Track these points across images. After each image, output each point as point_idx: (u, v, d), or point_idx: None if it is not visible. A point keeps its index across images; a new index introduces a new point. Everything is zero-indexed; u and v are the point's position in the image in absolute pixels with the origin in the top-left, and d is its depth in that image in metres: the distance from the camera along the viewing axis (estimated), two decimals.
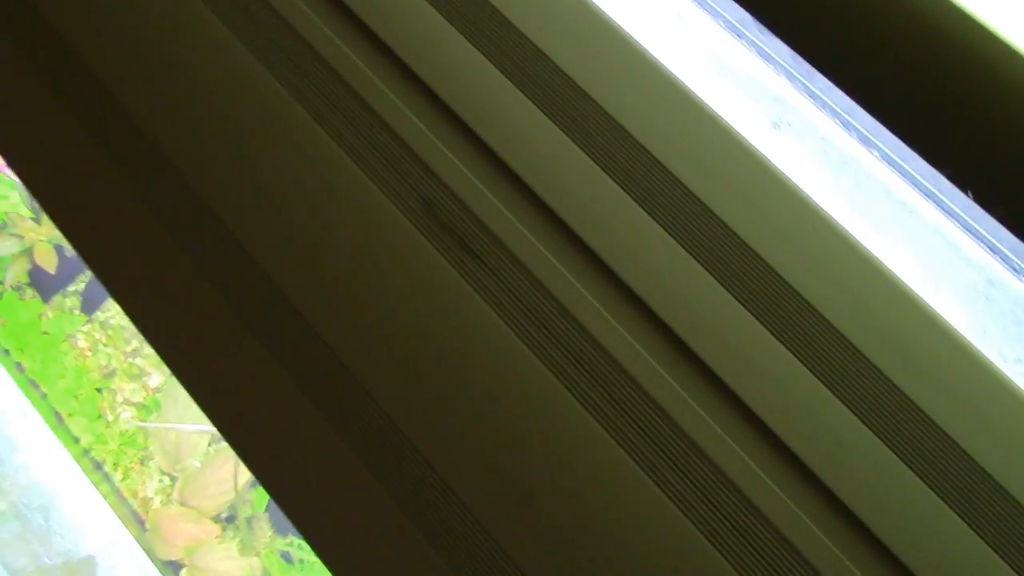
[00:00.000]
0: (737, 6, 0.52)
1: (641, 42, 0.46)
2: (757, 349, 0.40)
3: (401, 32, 0.46)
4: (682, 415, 0.39)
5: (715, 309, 0.41)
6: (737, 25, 0.52)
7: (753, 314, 0.41)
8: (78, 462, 0.98)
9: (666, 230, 0.42)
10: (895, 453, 0.38)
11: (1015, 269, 0.49)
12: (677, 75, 0.46)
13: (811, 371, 0.40)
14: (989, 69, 0.48)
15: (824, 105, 0.52)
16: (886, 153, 0.51)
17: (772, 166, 0.43)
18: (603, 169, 0.43)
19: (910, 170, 0.51)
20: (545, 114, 0.46)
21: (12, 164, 0.44)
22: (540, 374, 0.40)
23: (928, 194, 0.50)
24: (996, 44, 0.47)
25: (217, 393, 0.41)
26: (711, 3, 0.53)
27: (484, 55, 0.45)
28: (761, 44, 0.52)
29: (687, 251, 0.42)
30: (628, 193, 0.42)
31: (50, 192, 0.45)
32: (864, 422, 0.39)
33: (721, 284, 0.41)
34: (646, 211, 0.42)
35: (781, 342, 0.40)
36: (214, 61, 0.46)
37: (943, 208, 0.50)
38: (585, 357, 0.40)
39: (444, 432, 0.39)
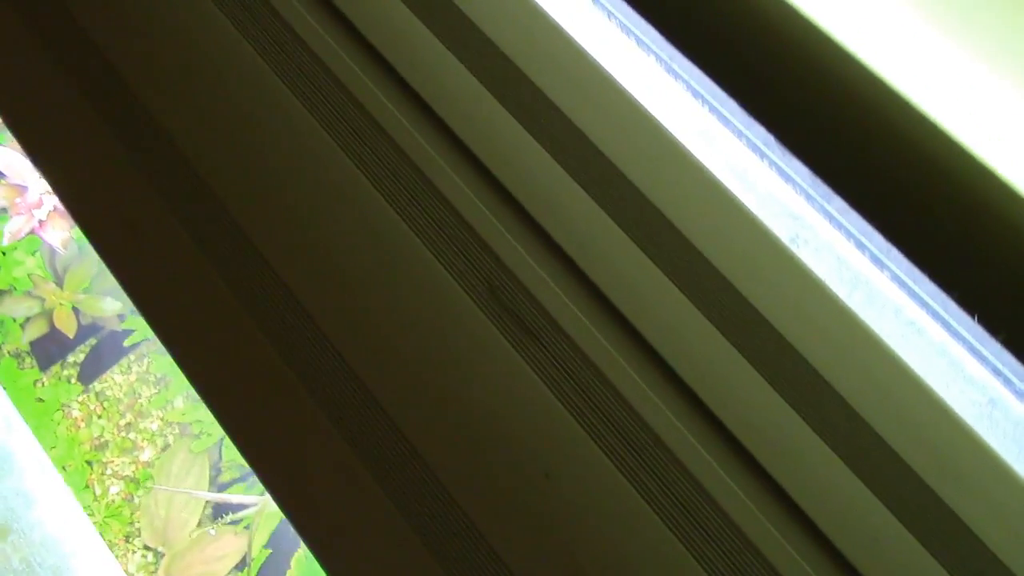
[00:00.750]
0: (761, 127, 0.55)
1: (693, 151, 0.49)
2: (806, 449, 0.42)
3: (470, 123, 0.49)
4: (734, 509, 0.41)
5: (763, 407, 0.43)
6: (760, 145, 0.56)
7: (801, 417, 0.43)
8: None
9: (716, 327, 0.44)
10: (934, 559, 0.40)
11: (1017, 392, 0.52)
12: (724, 183, 0.49)
13: (856, 474, 0.41)
14: (994, 209, 0.51)
15: (840, 226, 0.55)
16: (897, 275, 0.54)
17: (822, 282, 0.46)
18: (660, 269, 0.45)
19: (919, 292, 0.53)
20: (607, 214, 0.48)
21: (87, 229, 0.46)
22: (593, 455, 0.41)
23: (936, 315, 0.53)
24: (1003, 190, 0.51)
25: (282, 470, 0.42)
26: (735, 123, 0.57)
27: (550, 154, 0.48)
28: (782, 164, 0.56)
29: (736, 349, 0.44)
30: (684, 293, 0.45)
31: (122, 257, 0.46)
32: (904, 525, 0.40)
33: (771, 385, 0.43)
34: (698, 309, 0.44)
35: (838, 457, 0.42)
36: (296, 144, 0.48)
37: (950, 329, 0.53)
38: (637, 443, 0.42)
39: (500, 506, 0.40)
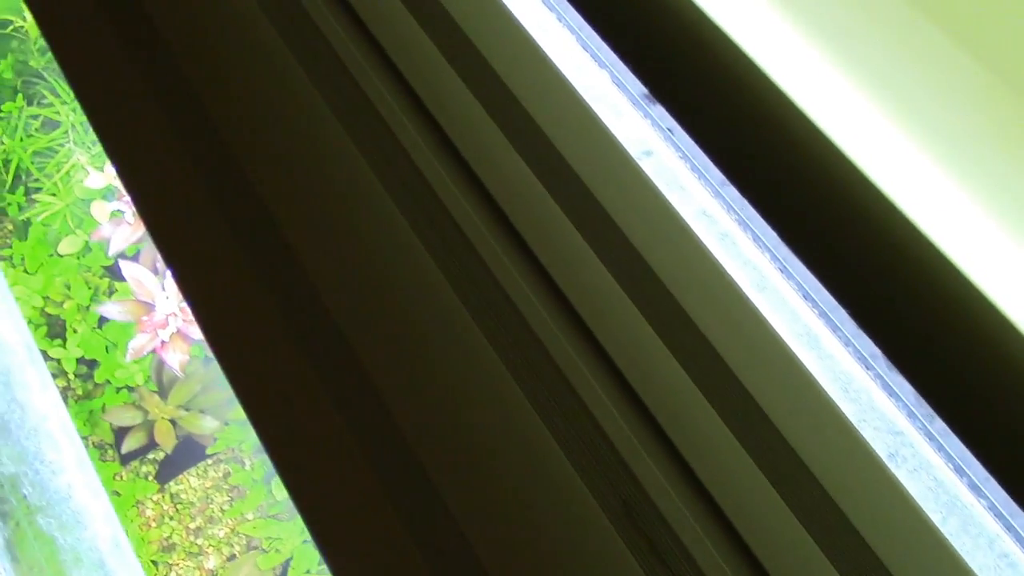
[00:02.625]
0: (868, 339, 0.57)
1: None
2: None
3: (622, 345, 0.51)
4: None
5: None
6: (867, 357, 0.57)
7: None
8: None
9: (828, 559, 0.44)
10: None
11: None
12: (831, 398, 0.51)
13: None
14: None
15: (940, 448, 0.55)
16: (994, 505, 0.54)
17: (917, 505, 0.46)
18: (785, 504, 0.47)
19: (1016, 526, 0.53)
20: (742, 446, 0.50)
21: (243, 400, 0.48)
22: None
23: None
24: None
25: None
26: (843, 331, 0.58)
27: (695, 383, 0.50)
28: (887, 379, 0.57)
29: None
30: (808, 532, 0.46)
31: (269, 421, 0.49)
32: None
33: None
34: (810, 535, 0.45)
35: None
36: (454, 344, 0.51)
37: None
38: None
39: None
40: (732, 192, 0.58)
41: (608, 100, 0.62)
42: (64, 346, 1.13)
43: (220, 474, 1.07)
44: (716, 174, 0.59)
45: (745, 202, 0.58)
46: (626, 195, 0.56)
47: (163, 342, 1.12)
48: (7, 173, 1.23)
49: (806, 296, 0.58)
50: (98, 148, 1.25)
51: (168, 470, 1.08)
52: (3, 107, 1.29)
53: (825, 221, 0.57)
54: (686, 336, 0.53)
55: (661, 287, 0.54)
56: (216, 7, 0.59)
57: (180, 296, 1.09)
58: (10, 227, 1.22)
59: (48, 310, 1.16)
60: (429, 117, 0.55)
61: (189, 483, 1.07)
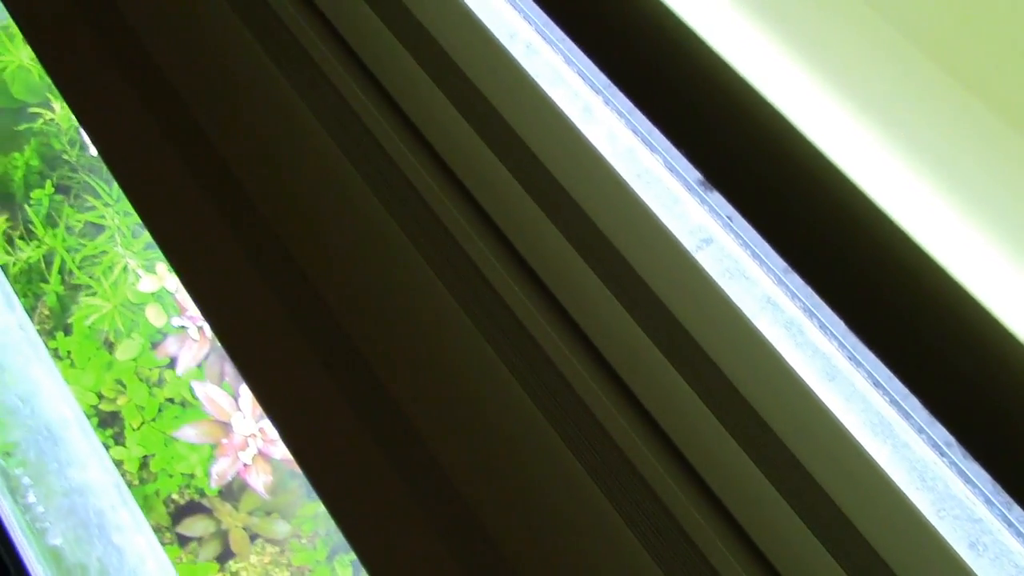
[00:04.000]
0: (942, 428, 0.56)
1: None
2: None
3: (686, 433, 0.51)
4: None
5: None
6: (941, 445, 0.57)
7: None
8: None
9: None
10: None
11: None
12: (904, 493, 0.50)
13: None
14: None
15: (1019, 534, 0.55)
16: None
17: None
18: None
19: None
20: (808, 528, 0.50)
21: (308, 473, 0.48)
22: None
23: None
24: None
25: None
26: (916, 418, 0.58)
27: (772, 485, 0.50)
28: (963, 467, 0.56)
29: None
30: None
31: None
32: None
33: None
34: None
35: None
36: (538, 458, 0.51)
37: None
38: None
39: None
40: (796, 279, 0.58)
41: (663, 186, 0.62)
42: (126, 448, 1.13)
43: (278, 550, 1.07)
44: (778, 261, 0.58)
45: (810, 289, 0.58)
46: (684, 290, 0.56)
47: (245, 465, 1.11)
48: (48, 271, 1.22)
49: (876, 384, 0.57)
50: (147, 250, 1.24)
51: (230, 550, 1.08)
52: (32, 194, 1.29)
53: (895, 309, 0.57)
54: (760, 437, 0.53)
55: (734, 392, 0.54)
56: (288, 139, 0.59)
57: (256, 414, 1.09)
58: (46, 312, 1.21)
59: (102, 407, 1.15)
60: (498, 233, 0.54)
61: (249, 560, 1.07)
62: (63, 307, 1.22)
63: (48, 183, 1.32)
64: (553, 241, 0.55)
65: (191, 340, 1.21)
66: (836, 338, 0.58)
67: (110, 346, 1.19)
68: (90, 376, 1.18)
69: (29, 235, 1.27)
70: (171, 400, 1.17)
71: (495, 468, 0.50)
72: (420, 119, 0.57)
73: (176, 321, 1.21)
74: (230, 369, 1.17)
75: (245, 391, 1.16)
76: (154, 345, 1.20)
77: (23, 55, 1.40)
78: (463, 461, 0.50)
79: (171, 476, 1.11)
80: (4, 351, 1.15)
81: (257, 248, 0.55)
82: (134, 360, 1.19)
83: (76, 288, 1.24)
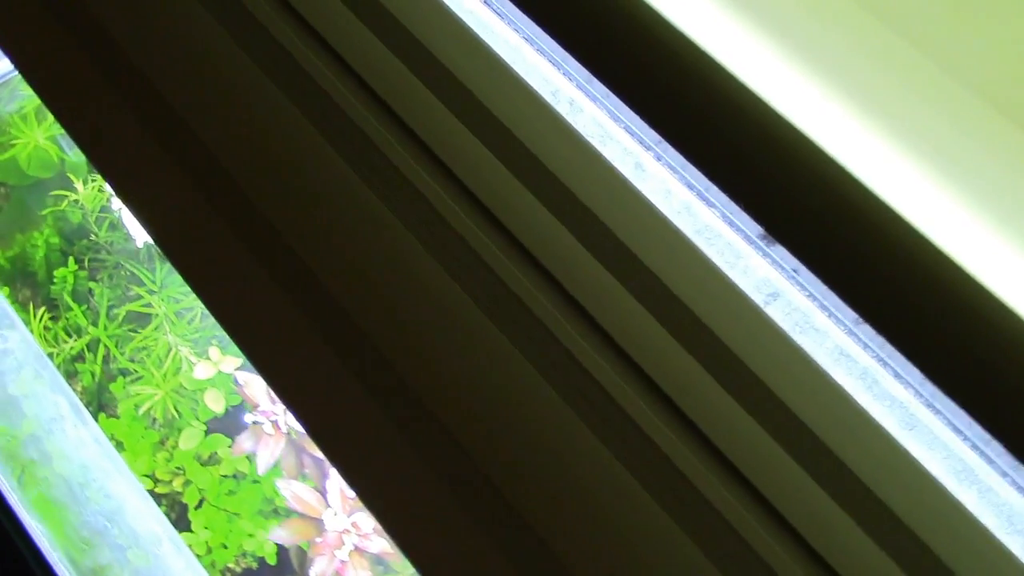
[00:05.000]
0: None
1: None
2: None
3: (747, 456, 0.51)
4: None
5: None
6: None
7: None
8: None
9: None
10: None
11: None
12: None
13: None
14: None
15: None
16: None
17: None
18: None
19: None
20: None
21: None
22: None
23: None
24: None
25: None
26: (1000, 463, 0.57)
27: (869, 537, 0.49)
28: None
29: None
30: None
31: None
32: None
33: None
34: None
35: None
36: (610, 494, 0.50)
37: None
38: None
39: None
40: (867, 329, 0.57)
41: (724, 241, 0.61)
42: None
43: None
44: (848, 312, 0.58)
45: (882, 339, 0.57)
46: (759, 345, 0.55)
47: (342, 562, 1.09)
48: (95, 360, 1.21)
49: (956, 430, 0.57)
50: (198, 335, 1.23)
51: None
52: (56, 273, 1.28)
53: (970, 354, 0.56)
54: (850, 488, 0.52)
55: (818, 442, 0.53)
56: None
57: (348, 508, 1.07)
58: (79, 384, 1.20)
59: (158, 490, 1.14)
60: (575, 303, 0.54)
61: None
62: (100, 390, 1.21)
63: (71, 260, 1.32)
64: (627, 304, 0.55)
65: (266, 435, 1.19)
66: (912, 386, 0.58)
67: (164, 433, 1.18)
68: (143, 461, 1.16)
69: (72, 327, 1.26)
70: (253, 497, 1.14)
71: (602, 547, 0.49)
72: (491, 201, 0.57)
73: (248, 417, 1.19)
74: (308, 461, 1.15)
75: (332, 485, 1.13)
76: (230, 438, 1.17)
77: (38, 135, 1.41)
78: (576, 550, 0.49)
79: None
80: (86, 469, 1.13)
81: (335, 333, 0.55)
82: (196, 449, 1.17)
83: (121, 373, 1.22)
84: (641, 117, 0.66)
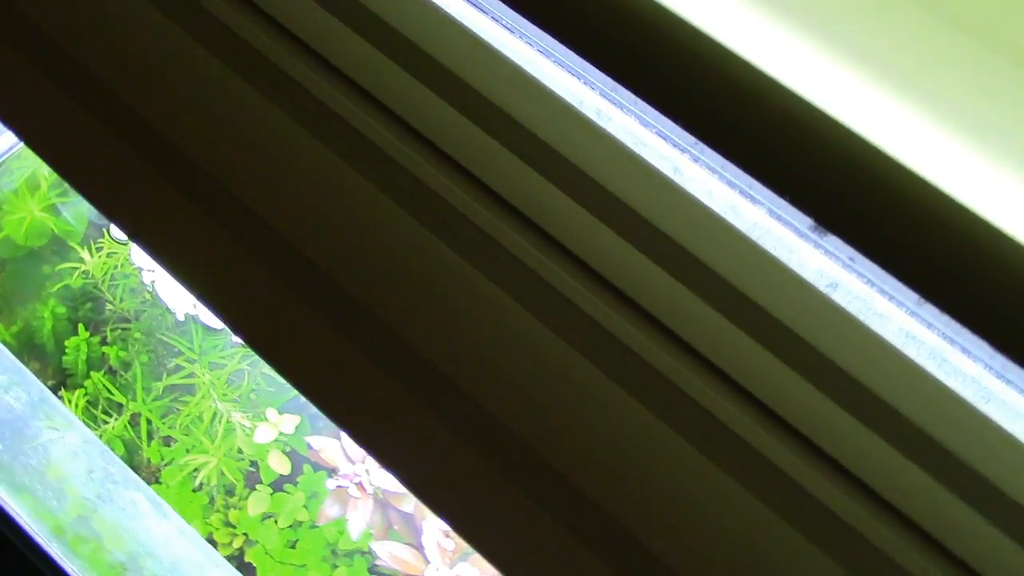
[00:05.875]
0: None
1: None
2: None
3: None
4: None
5: None
6: None
7: None
8: None
9: None
10: None
11: None
12: None
13: None
14: None
15: None
16: None
17: None
18: None
19: None
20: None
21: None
22: None
23: None
24: None
25: None
26: None
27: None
28: None
29: None
30: None
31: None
32: None
33: None
34: None
35: None
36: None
37: None
38: None
39: None
40: (931, 309, 0.57)
41: (774, 236, 0.61)
42: None
43: None
44: (909, 293, 0.58)
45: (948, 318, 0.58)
46: (836, 334, 0.55)
47: None
48: (139, 437, 1.19)
49: None
50: (247, 398, 1.20)
51: None
52: (68, 343, 1.27)
53: None
54: (950, 469, 0.52)
55: (912, 427, 0.53)
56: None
57: (448, 561, 1.04)
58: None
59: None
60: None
61: None
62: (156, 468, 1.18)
63: (81, 327, 1.30)
64: (700, 311, 0.55)
65: (353, 498, 1.16)
66: (982, 360, 0.58)
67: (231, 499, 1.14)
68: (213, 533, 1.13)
69: (112, 406, 1.23)
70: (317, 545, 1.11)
71: None
72: (548, 223, 0.57)
73: (331, 483, 1.15)
74: (396, 517, 1.12)
75: (428, 540, 1.10)
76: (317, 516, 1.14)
77: (34, 207, 1.39)
78: None
79: None
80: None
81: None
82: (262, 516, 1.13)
83: (168, 442, 1.19)
84: (674, 121, 0.66)
